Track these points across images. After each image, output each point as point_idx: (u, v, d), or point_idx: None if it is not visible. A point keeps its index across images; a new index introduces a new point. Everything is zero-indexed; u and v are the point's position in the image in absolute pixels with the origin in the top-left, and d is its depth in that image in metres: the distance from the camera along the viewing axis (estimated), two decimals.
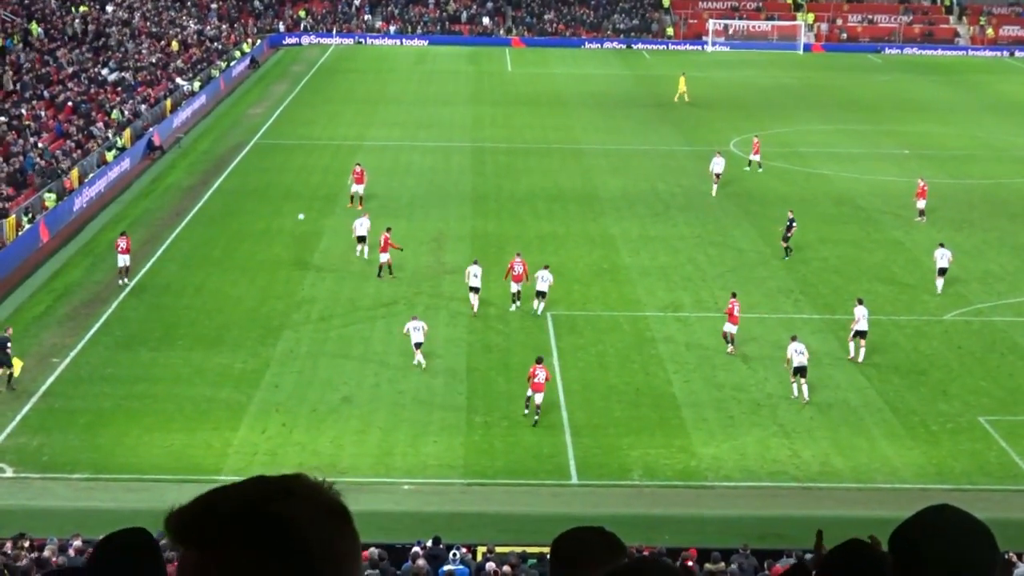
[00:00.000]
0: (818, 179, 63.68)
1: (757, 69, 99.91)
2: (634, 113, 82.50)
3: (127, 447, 33.96)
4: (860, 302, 41.08)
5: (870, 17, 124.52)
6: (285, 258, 49.97)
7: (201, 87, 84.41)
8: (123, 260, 46.37)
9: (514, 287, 44.05)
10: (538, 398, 35.35)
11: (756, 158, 65.12)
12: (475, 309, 43.20)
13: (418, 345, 38.63)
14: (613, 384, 38.14)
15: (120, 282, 46.29)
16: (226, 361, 39.41)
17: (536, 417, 35.41)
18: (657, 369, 39.26)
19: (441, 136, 73.60)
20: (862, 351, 40.06)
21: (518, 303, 44.00)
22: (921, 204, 55.97)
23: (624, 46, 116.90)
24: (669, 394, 37.42)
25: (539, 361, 35.91)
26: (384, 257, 47.23)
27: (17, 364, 37.48)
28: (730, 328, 40.50)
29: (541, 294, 43.34)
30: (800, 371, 36.98)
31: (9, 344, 37.51)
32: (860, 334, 40.23)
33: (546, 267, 44.07)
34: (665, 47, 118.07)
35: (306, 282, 46.98)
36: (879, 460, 33.78)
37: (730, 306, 40.67)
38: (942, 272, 46.12)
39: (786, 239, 50.58)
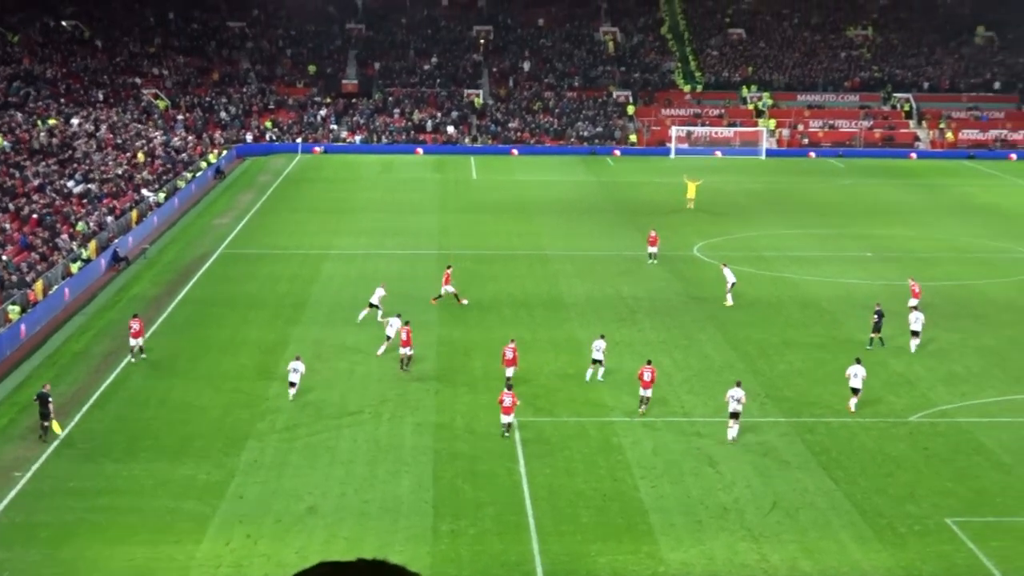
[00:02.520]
0: (783, 283, 64.05)
1: (721, 175, 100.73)
2: (599, 218, 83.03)
3: (89, 561, 33.54)
4: (858, 361, 46.03)
5: (831, 122, 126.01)
6: (250, 367, 49.82)
7: (167, 198, 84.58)
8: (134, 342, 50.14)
9: (508, 371, 46.19)
10: (505, 419, 41.77)
11: (653, 249, 68.51)
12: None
13: (292, 384, 44.84)
14: (580, 490, 37.98)
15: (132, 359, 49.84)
16: (190, 472, 39.10)
17: (506, 433, 41.74)
18: (624, 474, 39.13)
19: (407, 244, 73.84)
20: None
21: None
22: (914, 302, 55.98)
23: (588, 153, 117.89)
24: (636, 499, 37.27)
25: (508, 388, 42.67)
26: (406, 351, 49.10)
27: (56, 426, 41.07)
28: (644, 392, 44.26)
29: (597, 361, 47.31)
30: (734, 415, 41.63)
31: (50, 400, 41.51)
32: (854, 391, 44.89)
33: (601, 337, 48.07)
34: (629, 154, 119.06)
35: (271, 391, 46.78)
36: (847, 564, 33.63)
37: (640, 371, 44.54)
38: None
39: (878, 328, 53.00)
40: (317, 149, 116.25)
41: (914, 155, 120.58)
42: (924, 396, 46.93)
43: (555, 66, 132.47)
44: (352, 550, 33.98)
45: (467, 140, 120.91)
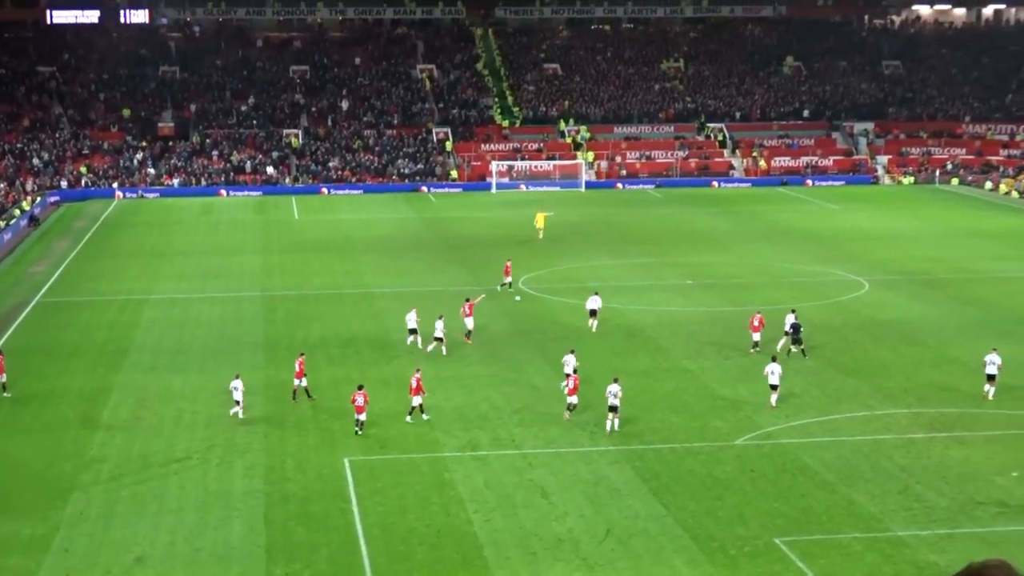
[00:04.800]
0: (608, 312, 64.68)
1: (544, 208, 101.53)
2: (422, 255, 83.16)
3: None
4: (774, 359, 50.18)
5: (648, 153, 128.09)
6: (72, 418, 48.65)
7: None
8: None
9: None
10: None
11: (508, 280, 70.20)
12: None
13: (237, 402, 47.38)
14: (413, 527, 37.82)
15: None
16: (13, 528, 37.97)
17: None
18: (457, 509, 39.08)
19: (230, 286, 73.02)
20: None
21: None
22: (756, 337, 57.37)
23: (410, 190, 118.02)
24: (470, 533, 37.23)
25: (360, 387, 46.14)
26: (300, 382, 50.26)
27: None
28: (415, 400, 47.35)
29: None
30: (612, 409, 45.56)
31: None
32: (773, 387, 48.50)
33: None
34: (450, 189, 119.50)
35: (95, 441, 45.74)
36: None
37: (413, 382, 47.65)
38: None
39: (798, 341, 56.13)
40: (132, 195, 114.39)
41: (717, 183, 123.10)
42: (749, 419, 47.80)
43: (373, 104, 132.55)
44: None
45: (288, 180, 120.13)
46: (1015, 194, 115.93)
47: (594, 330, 60.76)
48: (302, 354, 51.64)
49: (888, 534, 37.28)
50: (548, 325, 62.62)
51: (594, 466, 42.70)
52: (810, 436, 46.05)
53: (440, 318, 57.29)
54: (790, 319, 57.14)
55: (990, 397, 50.45)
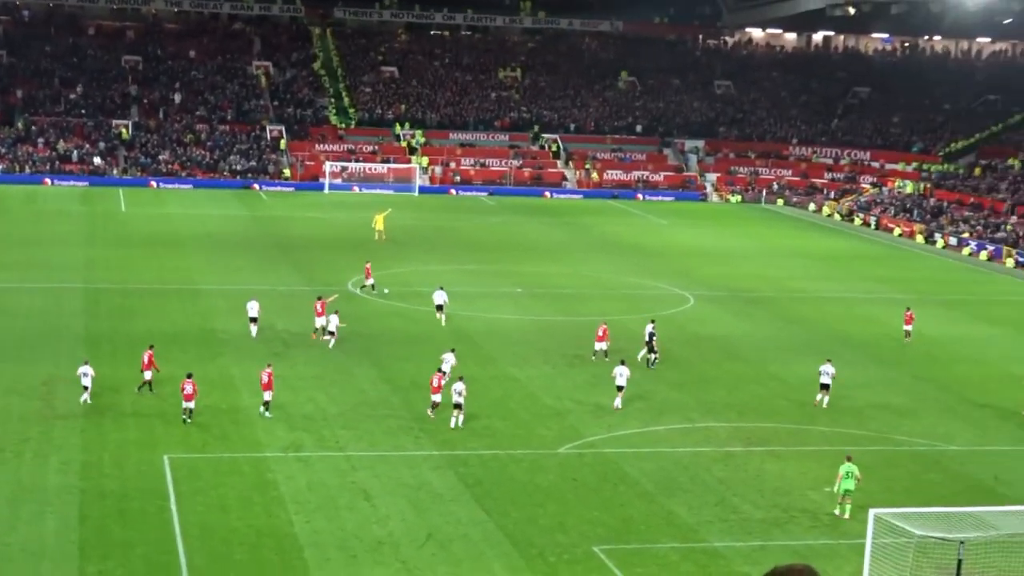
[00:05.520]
0: (437, 318, 64.70)
1: (376, 210, 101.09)
2: (253, 253, 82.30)
3: None
4: (623, 363, 51.66)
5: (482, 161, 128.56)
6: None
7: None
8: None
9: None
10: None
11: (370, 282, 70.46)
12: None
13: (85, 388, 47.43)
14: (234, 527, 37.39)
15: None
16: None
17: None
18: (279, 510, 38.74)
19: (52, 277, 71.41)
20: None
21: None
22: (601, 346, 58.04)
23: (241, 187, 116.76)
24: (291, 535, 36.93)
25: (189, 376, 46.67)
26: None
27: None
28: (267, 395, 47.50)
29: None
30: (458, 406, 46.89)
31: None
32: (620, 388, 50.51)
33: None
34: (283, 188, 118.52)
35: None
36: None
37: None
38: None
39: (653, 350, 57.34)
40: None
41: (550, 193, 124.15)
42: (573, 428, 48.22)
43: (207, 99, 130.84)
44: None
45: (116, 172, 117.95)
46: (837, 216, 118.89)
47: (443, 324, 62.89)
48: (151, 347, 51.17)
49: (704, 545, 37.93)
50: (376, 328, 62.44)
51: (417, 470, 42.70)
52: (632, 446, 46.62)
53: (336, 313, 59.25)
54: (648, 329, 58.40)
55: (824, 405, 52.27)
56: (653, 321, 59.54)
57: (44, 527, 36.79)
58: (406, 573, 34.82)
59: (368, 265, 71.51)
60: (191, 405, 46.29)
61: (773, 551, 37.44)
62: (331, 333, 58.39)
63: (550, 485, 42.22)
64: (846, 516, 40.00)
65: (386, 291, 70.05)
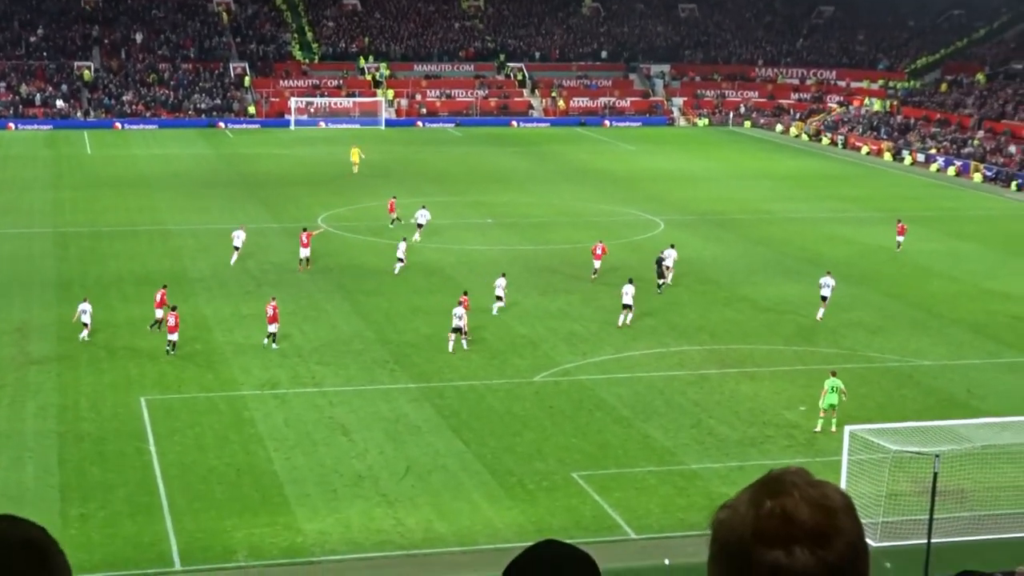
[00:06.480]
0: (408, 251, 64.69)
1: (343, 145, 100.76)
2: (220, 192, 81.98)
3: None
4: (630, 281, 52.30)
5: (448, 92, 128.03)
6: None
7: None
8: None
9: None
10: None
11: (394, 215, 71.18)
12: None
13: (85, 325, 47.72)
14: (213, 466, 37.53)
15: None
16: None
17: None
18: (257, 448, 38.88)
19: (20, 222, 71.04)
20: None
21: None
22: (596, 264, 59.61)
23: (206, 126, 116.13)
24: (271, 472, 37.10)
25: (173, 308, 47.26)
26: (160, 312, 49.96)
27: None
28: (272, 328, 48.11)
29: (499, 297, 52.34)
30: (457, 330, 47.71)
31: None
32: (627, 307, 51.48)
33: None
34: (248, 126, 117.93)
35: None
36: (481, 522, 34.42)
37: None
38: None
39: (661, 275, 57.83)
40: None
41: (517, 123, 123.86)
42: (547, 356, 48.42)
43: (169, 38, 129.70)
44: None
45: (79, 114, 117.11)
46: (805, 137, 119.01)
47: (418, 239, 65.55)
48: (164, 286, 52.03)
49: (682, 467, 38.27)
50: (347, 263, 62.40)
51: (394, 404, 42.88)
52: (607, 372, 46.86)
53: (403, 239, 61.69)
54: (671, 254, 59.72)
55: (819, 317, 53.48)
56: (673, 246, 60.97)
57: (24, 472, 36.87)
58: (387, 506, 35.05)
59: (393, 200, 71.96)
60: (174, 337, 46.73)
61: (750, 471, 37.73)
62: (400, 259, 60.16)
63: (527, 414, 42.45)
64: (832, 430, 40.29)
65: (419, 223, 68.68)
